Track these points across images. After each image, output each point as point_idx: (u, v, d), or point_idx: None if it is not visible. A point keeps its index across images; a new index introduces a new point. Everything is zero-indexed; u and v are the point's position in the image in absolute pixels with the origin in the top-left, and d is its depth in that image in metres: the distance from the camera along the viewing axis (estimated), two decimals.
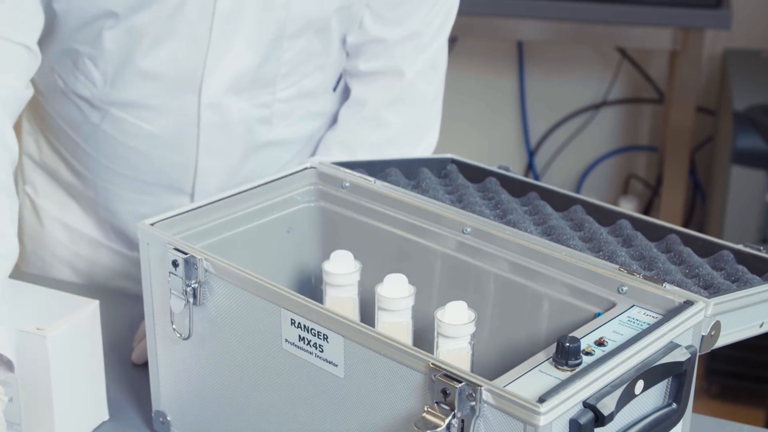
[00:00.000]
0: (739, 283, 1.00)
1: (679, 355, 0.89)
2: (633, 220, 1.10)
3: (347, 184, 1.16)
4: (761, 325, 0.99)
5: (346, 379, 0.91)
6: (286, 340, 0.95)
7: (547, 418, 0.78)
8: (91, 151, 1.34)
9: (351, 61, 1.36)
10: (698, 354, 0.92)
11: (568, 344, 0.84)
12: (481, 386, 0.81)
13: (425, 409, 0.83)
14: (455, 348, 0.95)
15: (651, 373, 0.86)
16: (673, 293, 0.94)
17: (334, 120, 1.41)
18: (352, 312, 1.05)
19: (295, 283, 1.19)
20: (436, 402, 0.83)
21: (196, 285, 1.01)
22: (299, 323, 0.93)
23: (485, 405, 0.81)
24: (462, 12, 1.39)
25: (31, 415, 1.06)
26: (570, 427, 0.81)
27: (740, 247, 1.04)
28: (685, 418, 0.93)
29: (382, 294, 0.99)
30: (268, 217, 1.14)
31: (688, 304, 0.92)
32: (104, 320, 1.13)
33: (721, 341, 0.96)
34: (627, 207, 2.79)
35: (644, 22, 2.70)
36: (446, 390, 0.82)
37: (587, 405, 0.81)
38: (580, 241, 1.06)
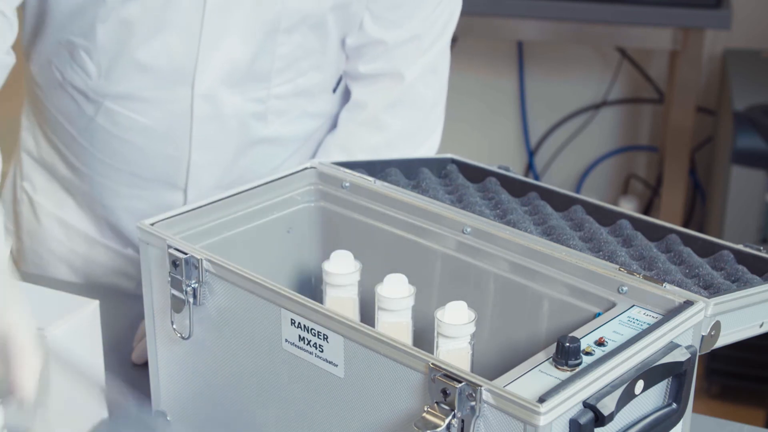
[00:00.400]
0: (739, 283, 1.00)
1: (679, 355, 0.89)
2: (633, 220, 1.10)
3: (347, 184, 1.16)
4: (761, 325, 0.99)
5: (346, 379, 0.91)
6: (286, 340, 0.95)
7: (547, 418, 0.78)
8: (87, 145, 1.34)
9: (351, 63, 1.36)
10: (698, 354, 0.92)
11: (568, 344, 0.84)
12: (481, 386, 0.81)
13: (425, 409, 0.83)
14: (455, 348, 0.95)
15: (651, 373, 0.86)
16: (673, 293, 0.94)
17: (334, 122, 1.40)
18: (352, 312, 1.05)
19: (295, 283, 1.19)
20: (436, 402, 0.83)
21: (196, 285, 1.01)
22: (299, 323, 0.93)
23: (485, 405, 0.81)
24: (462, 12, 1.39)
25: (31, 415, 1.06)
26: (570, 427, 0.81)
27: (740, 247, 1.04)
28: (685, 418, 0.93)
29: (382, 294, 0.99)
30: (268, 217, 1.14)
31: (688, 304, 0.92)
32: (104, 320, 1.13)
33: (721, 341, 0.96)
34: (627, 207, 2.79)
35: (644, 22, 2.70)
36: (446, 390, 0.82)
37: (587, 405, 0.81)
38: (580, 241, 1.06)
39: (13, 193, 1.49)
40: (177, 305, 1.02)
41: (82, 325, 1.07)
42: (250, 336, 0.98)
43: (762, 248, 1.03)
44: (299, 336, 0.93)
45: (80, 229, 1.42)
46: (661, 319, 0.91)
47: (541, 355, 0.86)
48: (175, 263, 1.01)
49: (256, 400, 1.00)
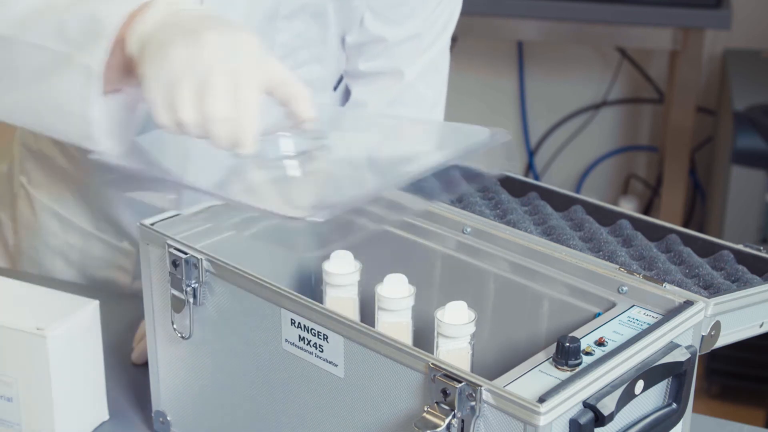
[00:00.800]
0: (739, 283, 1.00)
1: (679, 355, 0.89)
2: (633, 220, 1.10)
3: None
4: (761, 325, 0.99)
5: (346, 379, 0.91)
6: (286, 340, 0.95)
7: (547, 418, 0.78)
8: None
9: (351, 61, 1.36)
10: (698, 354, 0.92)
11: (568, 344, 0.84)
12: (481, 386, 0.81)
13: (425, 409, 0.83)
14: (455, 348, 0.95)
15: (651, 373, 0.86)
16: (673, 293, 0.94)
17: None
18: (352, 312, 1.05)
19: (295, 283, 1.19)
20: (436, 402, 0.83)
21: (196, 285, 1.01)
22: (299, 323, 0.93)
23: (485, 405, 0.81)
24: (462, 12, 1.39)
25: (31, 415, 1.06)
26: (570, 427, 0.81)
27: (740, 247, 1.04)
28: (685, 418, 0.93)
29: (382, 294, 0.99)
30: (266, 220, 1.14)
31: (688, 304, 0.93)
32: (104, 320, 1.13)
33: (721, 341, 0.96)
34: (627, 207, 2.79)
35: (644, 22, 2.70)
36: (446, 390, 0.82)
37: (587, 405, 0.81)
38: (580, 241, 1.06)
39: (10, 188, 1.49)
40: (177, 305, 1.02)
41: (82, 325, 1.07)
42: (250, 336, 0.98)
43: (762, 248, 1.03)
44: (299, 336, 0.93)
45: (76, 222, 1.42)
46: (661, 319, 0.91)
47: (541, 355, 0.86)
48: (175, 263, 1.01)
49: (256, 400, 1.00)
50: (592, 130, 3.25)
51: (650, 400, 0.90)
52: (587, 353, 0.86)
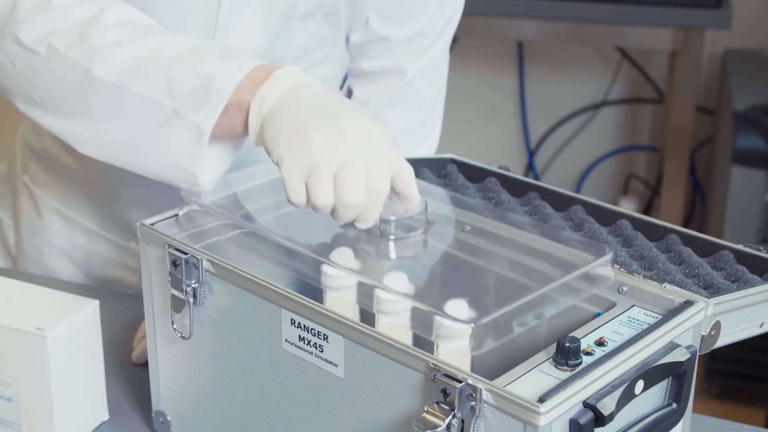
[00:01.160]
0: (739, 283, 1.00)
1: (679, 355, 0.89)
2: (633, 220, 1.10)
3: None
4: (761, 325, 0.99)
5: (346, 379, 0.91)
6: (286, 340, 0.95)
7: (547, 418, 0.78)
8: None
9: (354, 60, 1.37)
10: (698, 354, 0.92)
11: (568, 344, 0.84)
12: (481, 386, 0.81)
13: (425, 409, 0.83)
14: (455, 348, 0.95)
15: (651, 373, 0.86)
16: (673, 293, 0.94)
17: None
18: (352, 312, 1.05)
19: (296, 282, 1.19)
20: (436, 402, 0.83)
21: (196, 285, 1.01)
22: (299, 323, 0.93)
23: (485, 405, 0.81)
24: (462, 12, 1.39)
25: (31, 415, 1.06)
26: (570, 427, 0.81)
27: (740, 247, 1.04)
28: (685, 418, 0.93)
29: (382, 297, 0.99)
30: (267, 216, 1.14)
31: (688, 304, 0.93)
32: (104, 320, 1.13)
33: (721, 341, 0.96)
34: (627, 207, 2.79)
35: (644, 22, 2.70)
36: (446, 390, 0.82)
37: (587, 405, 0.81)
38: None
39: (12, 188, 1.49)
40: (177, 305, 1.02)
41: (82, 325, 1.07)
42: (250, 336, 0.98)
43: (762, 248, 1.03)
44: (299, 336, 0.93)
45: (81, 221, 1.42)
46: (661, 319, 0.91)
47: (541, 355, 0.86)
48: (175, 263, 1.01)
49: (256, 400, 1.00)
50: (592, 130, 3.25)
51: (650, 400, 0.90)
52: (587, 353, 0.86)
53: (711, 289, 0.98)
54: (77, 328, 1.07)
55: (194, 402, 1.07)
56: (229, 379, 1.02)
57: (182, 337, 1.03)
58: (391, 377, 0.87)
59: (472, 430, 0.82)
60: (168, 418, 1.09)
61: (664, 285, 0.95)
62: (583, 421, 0.81)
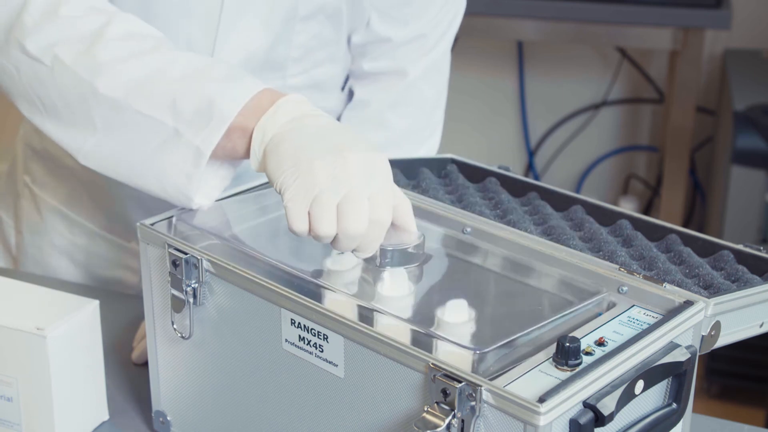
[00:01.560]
0: (739, 283, 1.00)
1: (679, 355, 0.89)
2: (633, 220, 1.10)
3: None
4: (761, 325, 0.99)
5: (346, 379, 0.91)
6: (286, 340, 0.95)
7: (547, 418, 0.78)
8: None
9: (356, 61, 1.37)
10: (698, 354, 0.92)
11: (568, 344, 0.84)
12: (481, 386, 0.81)
13: (425, 409, 0.83)
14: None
15: (651, 373, 0.86)
16: (673, 293, 0.94)
17: None
18: (352, 312, 1.05)
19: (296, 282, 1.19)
20: (436, 402, 0.83)
21: (196, 285, 1.01)
22: (299, 323, 0.93)
23: (485, 405, 0.81)
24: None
25: (31, 415, 1.06)
26: (570, 427, 0.81)
27: (740, 247, 1.04)
28: (685, 418, 0.93)
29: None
30: (268, 216, 1.14)
31: (688, 304, 0.93)
32: (104, 320, 1.13)
33: (721, 341, 0.96)
34: (627, 207, 2.79)
35: (644, 22, 2.70)
36: (446, 390, 0.82)
37: (587, 405, 0.81)
38: (580, 241, 1.06)
39: (13, 188, 1.49)
40: (177, 305, 1.02)
41: (82, 325, 1.07)
42: (250, 336, 0.98)
43: (762, 248, 1.03)
44: (299, 336, 0.93)
45: (82, 221, 1.42)
46: (661, 319, 0.91)
47: (541, 355, 0.86)
48: (175, 263, 1.01)
49: (256, 400, 1.00)
50: (592, 130, 3.25)
51: (650, 400, 0.90)
52: (587, 353, 0.86)
53: (711, 289, 0.98)
54: (77, 328, 1.07)
55: (194, 402, 1.07)
56: (229, 379, 1.02)
57: (182, 337, 1.03)
58: (391, 377, 0.87)
59: (472, 430, 0.82)
60: (168, 418, 1.09)
61: (664, 285, 0.95)
62: (583, 421, 0.81)
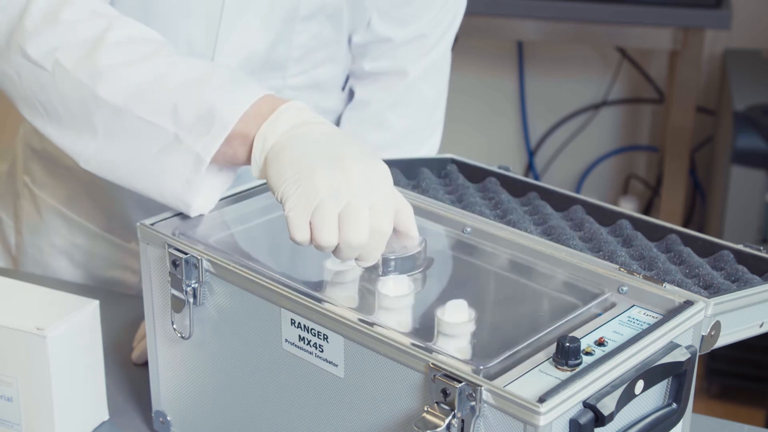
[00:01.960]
0: (739, 283, 1.00)
1: (679, 355, 0.89)
2: (633, 220, 1.10)
3: None
4: (761, 325, 0.99)
5: (346, 379, 0.91)
6: (286, 340, 0.95)
7: (547, 418, 0.78)
8: None
9: (356, 61, 1.37)
10: (698, 354, 0.92)
11: (568, 344, 0.84)
12: (481, 386, 0.81)
13: (425, 409, 0.83)
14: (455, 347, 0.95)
15: (651, 373, 0.86)
16: (673, 293, 0.94)
17: (338, 122, 1.41)
18: (352, 312, 1.05)
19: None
20: (436, 402, 0.83)
21: (196, 285, 1.01)
22: (299, 323, 0.93)
23: (485, 405, 0.81)
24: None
25: (31, 415, 1.06)
26: (570, 427, 0.81)
27: (740, 247, 1.04)
28: (685, 418, 0.93)
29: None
30: (268, 216, 1.14)
31: (688, 304, 0.93)
32: (104, 320, 1.13)
33: (721, 341, 0.96)
34: (627, 207, 2.79)
35: (644, 22, 2.70)
36: (446, 390, 0.82)
37: (587, 405, 0.81)
38: (580, 241, 1.06)
39: (13, 188, 1.49)
40: (177, 305, 1.02)
41: (82, 325, 1.07)
42: (250, 336, 0.98)
43: (762, 248, 1.03)
44: (299, 336, 0.93)
45: (82, 222, 1.42)
46: (661, 319, 0.91)
47: (541, 355, 0.86)
48: (175, 263, 1.01)
49: (256, 400, 1.00)
50: (592, 130, 3.25)
51: (650, 400, 0.90)
52: (587, 353, 0.86)
53: (711, 289, 0.98)
54: (77, 328, 1.07)
55: (194, 402, 1.07)
56: (229, 379, 1.02)
57: (182, 337, 1.03)
58: (391, 377, 0.87)
59: (472, 430, 0.82)
60: (168, 418, 1.09)
61: (664, 285, 0.95)
62: (583, 421, 0.81)
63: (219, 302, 1.00)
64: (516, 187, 1.18)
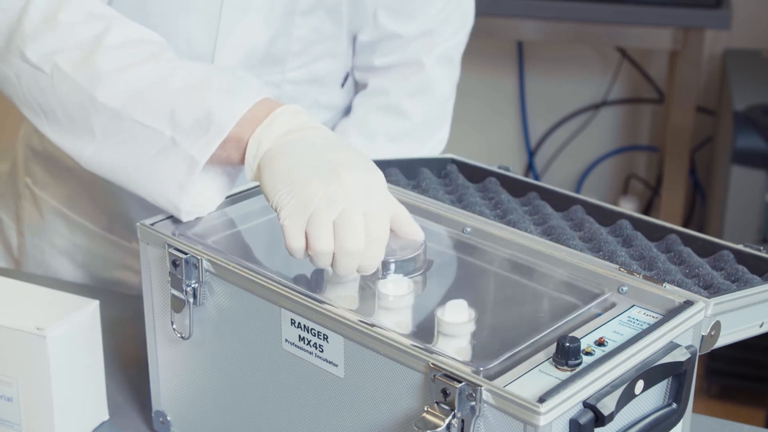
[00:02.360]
0: (739, 283, 1.00)
1: (679, 355, 0.89)
2: (633, 220, 1.10)
3: None
4: (761, 325, 0.99)
5: (346, 379, 0.91)
6: (286, 340, 0.95)
7: (547, 418, 0.78)
8: None
9: (365, 57, 1.37)
10: (698, 354, 0.92)
11: (568, 344, 0.84)
12: (481, 386, 0.81)
13: (425, 409, 0.83)
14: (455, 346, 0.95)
15: (651, 373, 0.86)
16: (673, 293, 0.94)
17: (342, 115, 1.42)
18: (352, 312, 1.05)
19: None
20: (436, 402, 0.83)
21: (196, 285, 1.01)
22: (299, 323, 0.93)
23: (485, 405, 0.81)
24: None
25: (31, 415, 1.06)
26: (570, 427, 0.81)
27: (740, 247, 1.04)
28: (685, 418, 0.93)
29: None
30: (267, 216, 1.14)
31: (688, 304, 0.93)
32: (104, 320, 1.13)
33: (721, 341, 0.96)
34: (627, 207, 2.79)
35: (644, 22, 2.70)
36: (446, 390, 0.82)
37: (587, 405, 0.81)
38: (580, 241, 1.06)
39: (14, 189, 1.49)
40: (177, 305, 1.02)
41: (82, 325, 1.07)
42: (250, 336, 0.98)
43: (762, 248, 1.03)
44: (299, 336, 0.93)
45: (83, 222, 1.42)
46: (661, 319, 0.91)
47: (541, 355, 0.86)
48: (175, 263, 1.01)
49: (256, 400, 1.00)
50: (592, 130, 3.25)
51: (650, 400, 0.90)
52: (587, 353, 0.86)
53: (711, 289, 0.98)
54: (77, 328, 1.07)
55: (194, 402, 1.07)
56: (229, 379, 1.02)
57: (182, 337, 1.03)
58: (391, 377, 0.87)
59: (472, 430, 0.82)
60: (168, 418, 1.09)
61: (664, 285, 0.95)
62: (583, 421, 0.81)
63: (219, 302, 1.00)
64: (516, 187, 1.18)
